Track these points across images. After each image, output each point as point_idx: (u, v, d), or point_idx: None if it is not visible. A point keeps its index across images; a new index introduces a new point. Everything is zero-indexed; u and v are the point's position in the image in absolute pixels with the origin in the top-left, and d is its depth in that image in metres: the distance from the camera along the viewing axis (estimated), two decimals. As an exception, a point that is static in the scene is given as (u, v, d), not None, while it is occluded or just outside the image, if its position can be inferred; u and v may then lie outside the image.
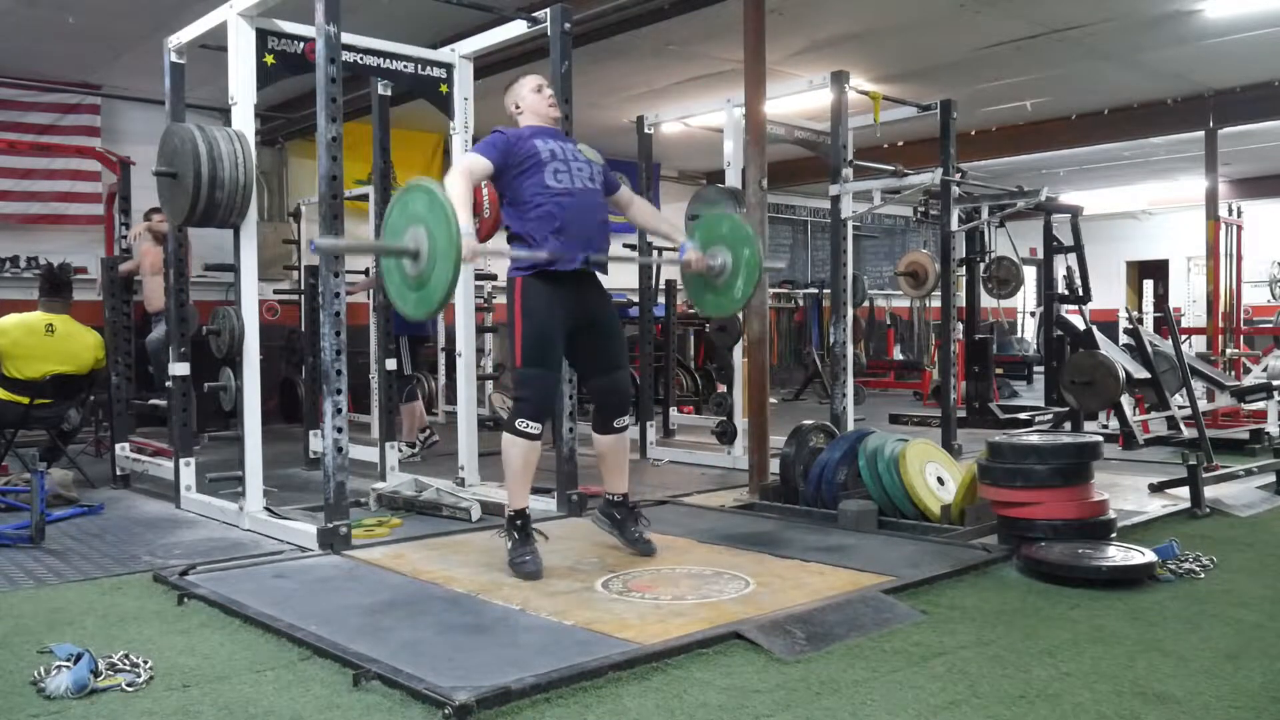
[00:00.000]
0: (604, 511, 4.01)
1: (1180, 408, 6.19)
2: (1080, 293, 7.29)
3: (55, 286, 5.79)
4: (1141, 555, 3.53)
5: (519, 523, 3.68)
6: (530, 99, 3.84)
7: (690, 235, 4.14)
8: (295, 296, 7.57)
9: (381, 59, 5.07)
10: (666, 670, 2.64)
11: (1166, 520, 4.55)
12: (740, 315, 6.40)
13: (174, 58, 5.01)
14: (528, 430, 3.65)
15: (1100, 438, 4.02)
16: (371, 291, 7.36)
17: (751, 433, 5.23)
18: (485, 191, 5.32)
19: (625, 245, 8.05)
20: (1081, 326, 6.79)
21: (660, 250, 7.09)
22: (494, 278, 9.32)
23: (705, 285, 4.12)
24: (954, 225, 6.78)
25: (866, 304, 13.24)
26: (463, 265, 3.14)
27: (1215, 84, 8.95)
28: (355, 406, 7.72)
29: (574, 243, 3.67)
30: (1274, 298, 12.61)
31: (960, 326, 7.91)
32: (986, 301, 9.46)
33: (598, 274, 3.83)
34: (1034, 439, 4.00)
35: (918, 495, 4.28)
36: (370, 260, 8.26)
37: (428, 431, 6.96)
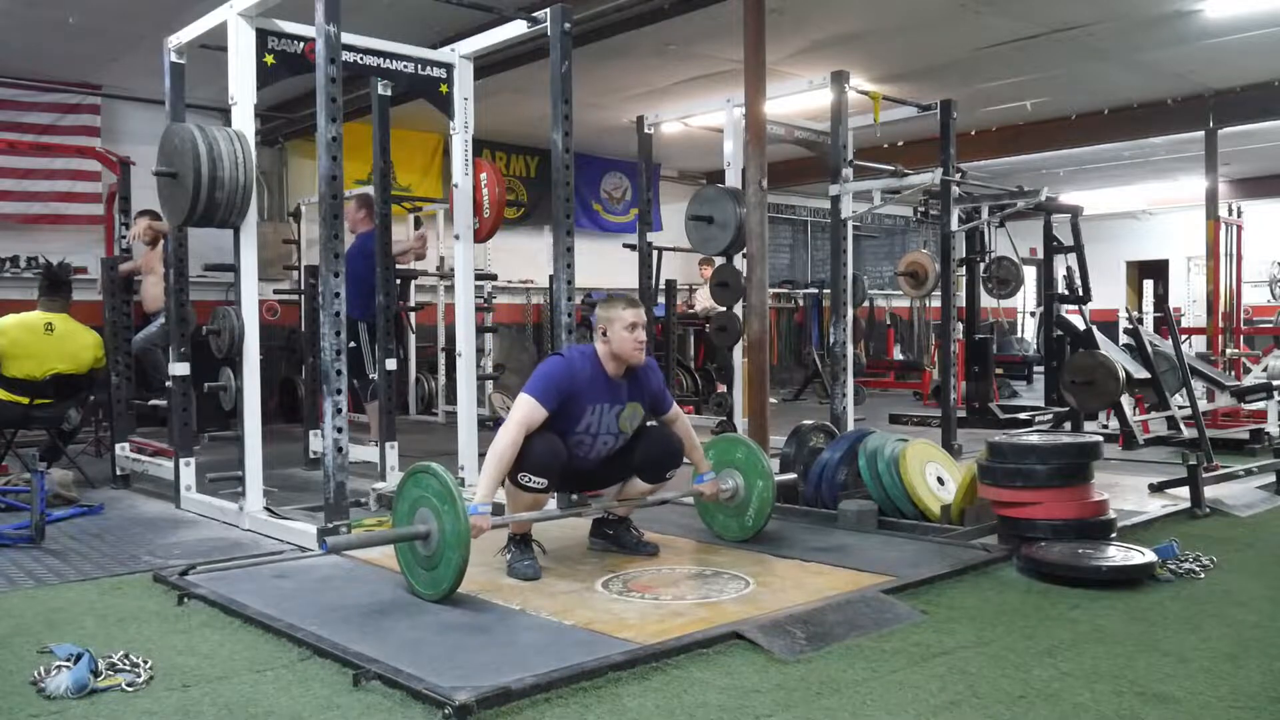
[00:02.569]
0: (595, 534, 4.03)
1: (1180, 408, 6.19)
2: (1080, 293, 7.29)
3: (54, 285, 5.79)
4: (1141, 555, 3.53)
5: (518, 538, 3.71)
6: (621, 337, 3.69)
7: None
8: (295, 296, 7.56)
9: (381, 59, 5.07)
10: (666, 670, 2.64)
11: (1166, 520, 4.55)
12: (740, 315, 6.41)
13: (174, 58, 5.01)
14: (530, 485, 3.59)
15: (1100, 438, 4.03)
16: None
17: (751, 433, 5.23)
18: (485, 191, 5.33)
19: (625, 246, 8.08)
20: (1081, 326, 6.79)
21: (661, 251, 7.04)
22: (494, 278, 9.34)
23: (717, 507, 4.20)
24: (954, 225, 6.78)
25: (866, 304, 13.22)
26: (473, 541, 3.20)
27: (1215, 84, 8.95)
28: (355, 406, 7.71)
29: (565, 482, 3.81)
30: (1274, 298, 12.61)
31: (960, 326, 7.91)
32: (986, 301, 9.45)
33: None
34: (1034, 439, 4.00)
35: (918, 495, 4.28)
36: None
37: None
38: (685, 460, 3.99)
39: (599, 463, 3.86)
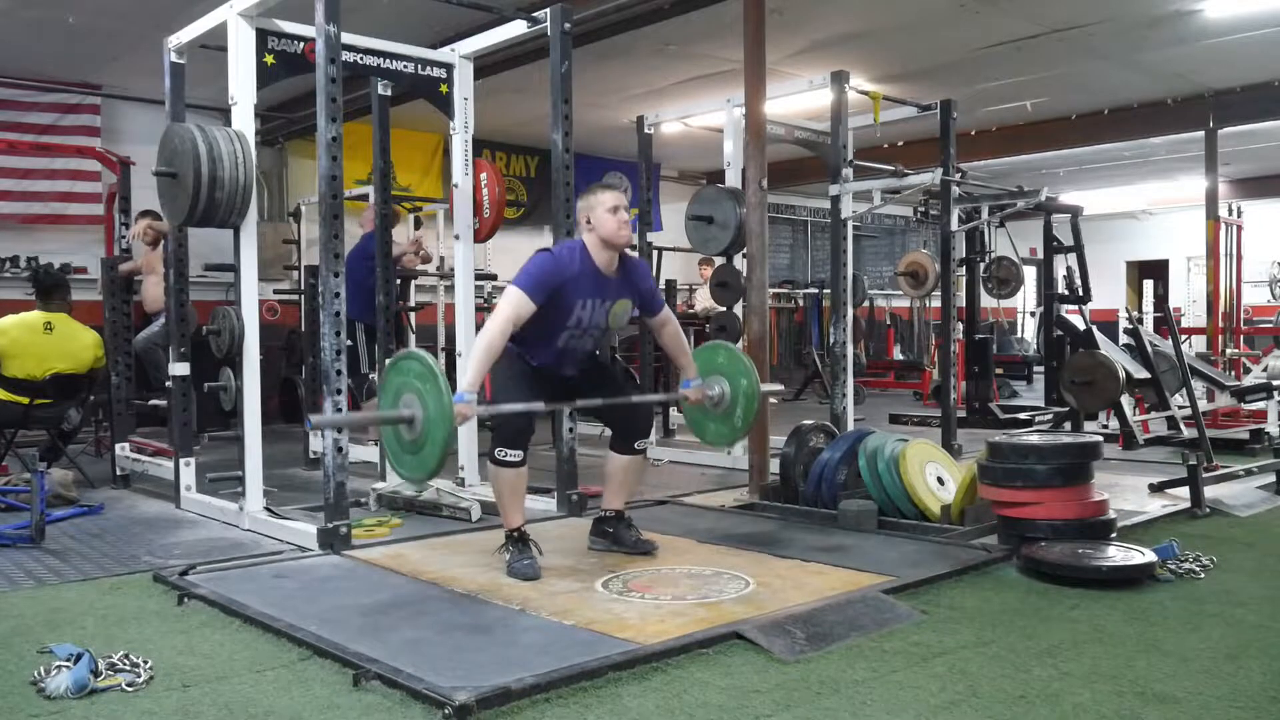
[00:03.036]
0: (596, 532, 4.03)
1: (1180, 408, 6.18)
2: (1080, 293, 7.29)
3: (46, 290, 5.78)
4: (1141, 555, 3.53)
5: (515, 535, 3.71)
6: (604, 219, 3.67)
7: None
8: (295, 296, 7.56)
9: (381, 59, 5.07)
10: (666, 670, 2.64)
11: (1166, 520, 4.55)
12: (740, 315, 6.41)
13: (174, 58, 5.01)
14: (508, 459, 3.65)
15: (1100, 438, 4.02)
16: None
17: (751, 433, 5.23)
18: (485, 191, 5.33)
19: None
20: (1081, 326, 6.78)
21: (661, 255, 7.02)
22: (494, 278, 9.33)
23: (705, 415, 4.21)
24: (954, 225, 6.78)
25: (866, 304, 13.23)
26: (458, 425, 3.23)
27: (1215, 84, 8.95)
28: (355, 406, 7.71)
29: (564, 363, 3.82)
30: (1274, 298, 12.60)
31: (960, 326, 7.91)
32: (986, 301, 9.46)
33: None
34: (1034, 439, 4.00)
35: (918, 495, 4.28)
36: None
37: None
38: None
39: (580, 368, 3.86)
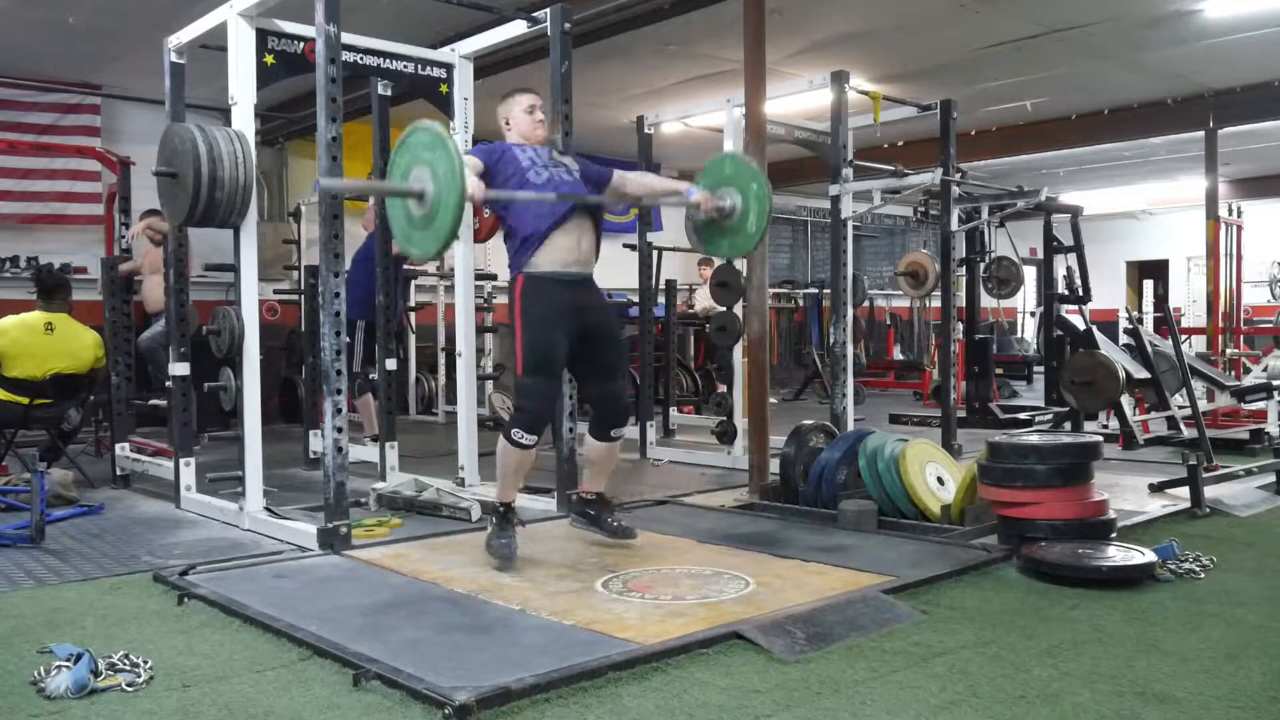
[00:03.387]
0: (578, 511, 4.11)
1: (1180, 408, 6.19)
2: (1080, 293, 7.29)
3: (48, 290, 5.78)
4: (1141, 555, 3.53)
5: (503, 510, 3.79)
6: (520, 119, 3.95)
7: (695, 183, 4.14)
8: (295, 296, 7.56)
9: (381, 59, 5.07)
10: (666, 670, 2.64)
11: (1166, 520, 4.55)
12: (740, 315, 6.41)
13: (174, 58, 5.01)
14: (522, 441, 3.71)
15: (1100, 438, 4.02)
16: None
17: (751, 433, 5.23)
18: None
19: (625, 245, 8.07)
20: (1081, 326, 6.78)
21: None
22: (494, 278, 9.33)
23: (718, 229, 4.12)
24: (954, 225, 6.78)
25: (866, 304, 13.23)
26: (467, 203, 3.24)
27: (1215, 84, 8.95)
28: (355, 407, 7.71)
29: (569, 263, 3.81)
30: (1274, 298, 12.60)
31: (960, 326, 7.92)
32: (986, 301, 9.46)
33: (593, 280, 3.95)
34: (1034, 439, 4.00)
35: (918, 495, 4.28)
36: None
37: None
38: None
39: (593, 299, 3.92)
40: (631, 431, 6.19)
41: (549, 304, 3.72)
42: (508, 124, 3.97)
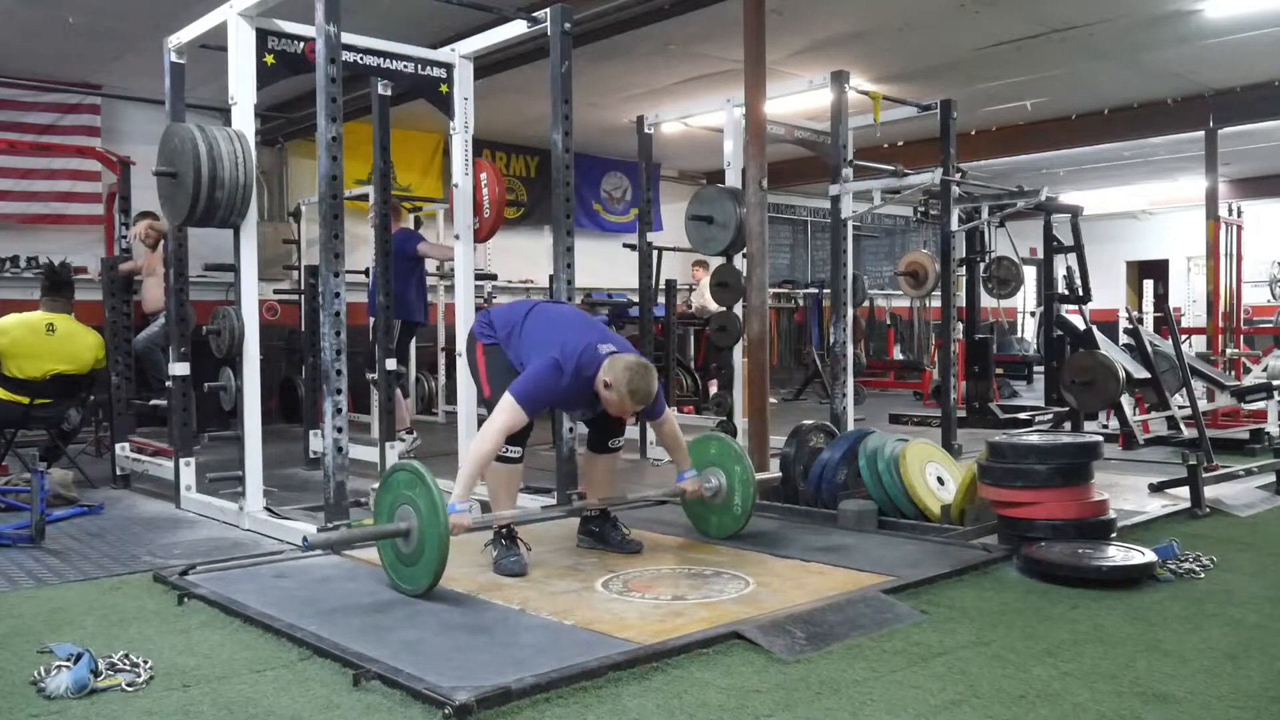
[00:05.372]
0: (583, 531, 4.08)
1: (1180, 408, 6.19)
2: (1080, 293, 7.28)
3: (57, 285, 5.80)
4: (1141, 555, 3.53)
5: (504, 531, 3.75)
6: (616, 403, 3.68)
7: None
8: (295, 296, 7.56)
9: (381, 59, 5.07)
10: (666, 670, 2.64)
11: (1166, 520, 4.55)
12: (740, 315, 6.41)
13: (174, 58, 5.01)
14: (508, 454, 3.69)
15: (1100, 438, 4.02)
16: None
17: (751, 433, 5.23)
18: (485, 191, 5.33)
19: (625, 245, 8.08)
20: (1081, 326, 6.78)
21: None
22: (494, 278, 9.34)
23: (706, 508, 4.23)
24: (954, 225, 6.77)
25: (866, 304, 13.23)
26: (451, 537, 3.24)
27: (1215, 84, 8.95)
28: (355, 406, 7.71)
29: None
30: (1274, 298, 12.61)
31: (960, 326, 7.91)
32: (986, 301, 9.44)
33: None
34: (1034, 439, 4.00)
35: (918, 495, 4.28)
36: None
37: (413, 434, 6.93)
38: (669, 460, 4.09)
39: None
40: (632, 431, 6.19)
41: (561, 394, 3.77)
42: (607, 386, 3.64)
